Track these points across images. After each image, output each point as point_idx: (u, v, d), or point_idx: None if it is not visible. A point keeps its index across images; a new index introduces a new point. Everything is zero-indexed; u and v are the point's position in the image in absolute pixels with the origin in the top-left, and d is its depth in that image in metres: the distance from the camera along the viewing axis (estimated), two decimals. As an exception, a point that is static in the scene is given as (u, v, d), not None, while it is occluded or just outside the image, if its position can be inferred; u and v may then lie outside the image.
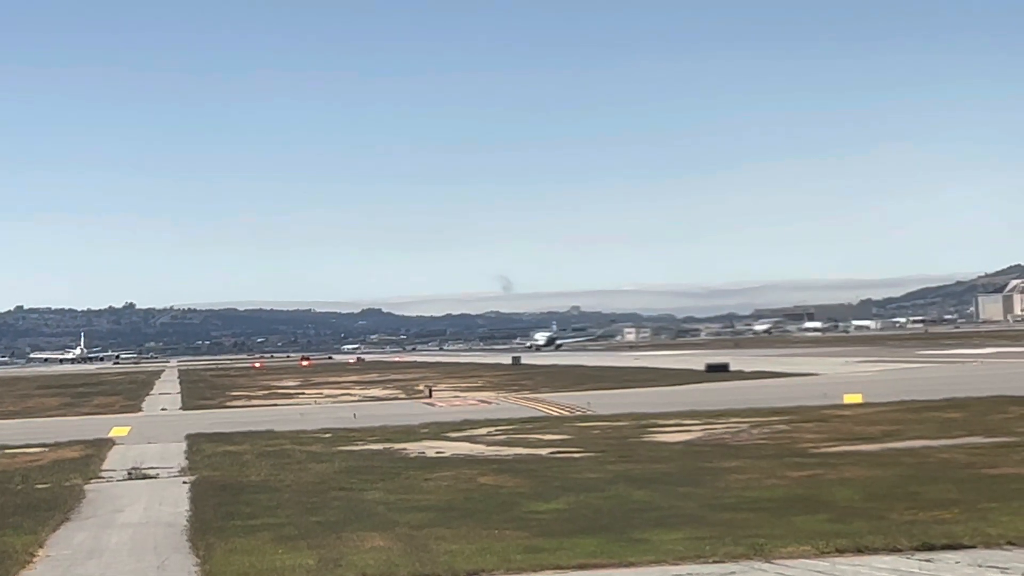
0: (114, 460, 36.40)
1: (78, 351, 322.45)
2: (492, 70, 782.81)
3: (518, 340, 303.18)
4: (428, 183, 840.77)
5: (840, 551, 17.34)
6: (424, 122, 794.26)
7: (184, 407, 72.54)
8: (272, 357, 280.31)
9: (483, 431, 42.32)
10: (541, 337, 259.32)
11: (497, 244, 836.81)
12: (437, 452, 35.39)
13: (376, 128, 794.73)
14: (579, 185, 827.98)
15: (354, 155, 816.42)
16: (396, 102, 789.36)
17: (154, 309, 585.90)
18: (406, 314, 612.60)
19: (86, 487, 29.40)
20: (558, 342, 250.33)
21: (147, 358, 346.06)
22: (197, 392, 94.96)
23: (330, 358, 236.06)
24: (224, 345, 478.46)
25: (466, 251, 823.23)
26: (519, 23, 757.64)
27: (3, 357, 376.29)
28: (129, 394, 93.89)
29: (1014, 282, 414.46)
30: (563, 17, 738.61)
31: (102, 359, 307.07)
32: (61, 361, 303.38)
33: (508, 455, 33.90)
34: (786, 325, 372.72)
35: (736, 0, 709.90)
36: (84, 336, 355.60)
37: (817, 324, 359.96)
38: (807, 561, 16.91)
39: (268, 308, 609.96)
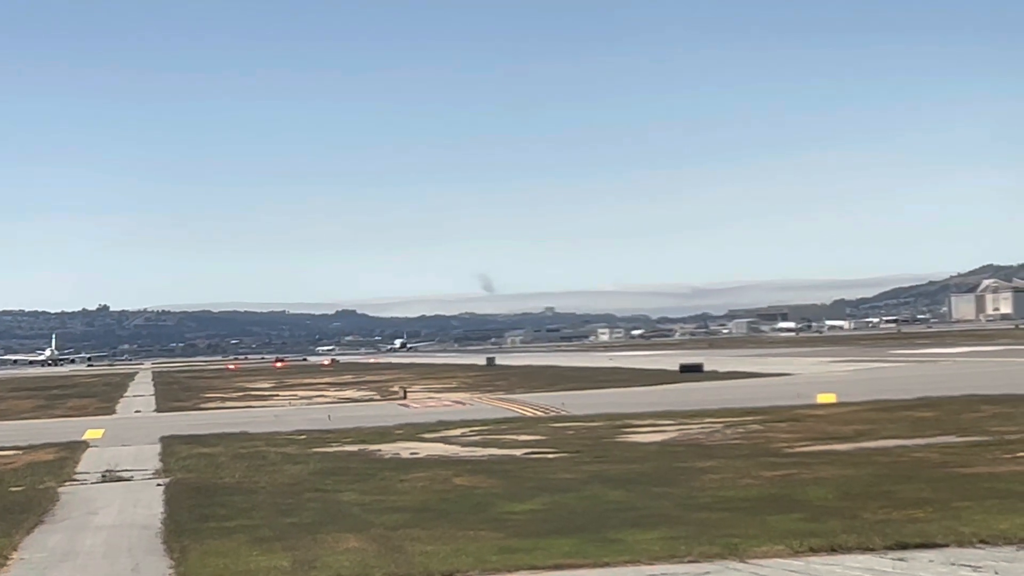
0: (88, 463, 36.18)
1: (48, 353, 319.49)
2: (469, 70, 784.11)
3: (379, 342, 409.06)
4: (403, 184, 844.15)
5: (814, 550, 17.39)
6: (398, 122, 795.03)
7: (158, 409, 72.12)
8: (247, 359, 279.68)
9: (458, 432, 42.27)
10: (397, 342, 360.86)
11: (473, 245, 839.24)
12: (412, 453, 35.35)
13: (350, 129, 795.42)
14: (557, 185, 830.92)
15: (328, 157, 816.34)
16: (370, 102, 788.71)
17: (128, 311, 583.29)
18: (381, 315, 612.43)
19: (60, 490, 29.24)
20: (408, 346, 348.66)
21: (120, 360, 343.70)
22: (171, 394, 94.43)
23: (304, 360, 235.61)
24: (198, 347, 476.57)
25: (441, 252, 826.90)
26: (498, 22, 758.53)
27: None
28: (103, 396, 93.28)
29: (986, 282, 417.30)
30: (542, 15, 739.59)
31: (73, 361, 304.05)
32: (31, 363, 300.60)
33: (483, 456, 33.89)
34: (760, 325, 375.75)
35: None
36: (56, 338, 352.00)
37: (791, 324, 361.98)
38: (781, 560, 16.97)
39: (242, 310, 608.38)
